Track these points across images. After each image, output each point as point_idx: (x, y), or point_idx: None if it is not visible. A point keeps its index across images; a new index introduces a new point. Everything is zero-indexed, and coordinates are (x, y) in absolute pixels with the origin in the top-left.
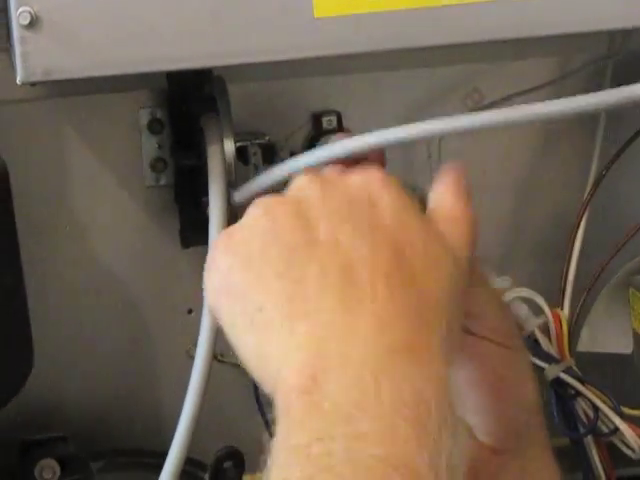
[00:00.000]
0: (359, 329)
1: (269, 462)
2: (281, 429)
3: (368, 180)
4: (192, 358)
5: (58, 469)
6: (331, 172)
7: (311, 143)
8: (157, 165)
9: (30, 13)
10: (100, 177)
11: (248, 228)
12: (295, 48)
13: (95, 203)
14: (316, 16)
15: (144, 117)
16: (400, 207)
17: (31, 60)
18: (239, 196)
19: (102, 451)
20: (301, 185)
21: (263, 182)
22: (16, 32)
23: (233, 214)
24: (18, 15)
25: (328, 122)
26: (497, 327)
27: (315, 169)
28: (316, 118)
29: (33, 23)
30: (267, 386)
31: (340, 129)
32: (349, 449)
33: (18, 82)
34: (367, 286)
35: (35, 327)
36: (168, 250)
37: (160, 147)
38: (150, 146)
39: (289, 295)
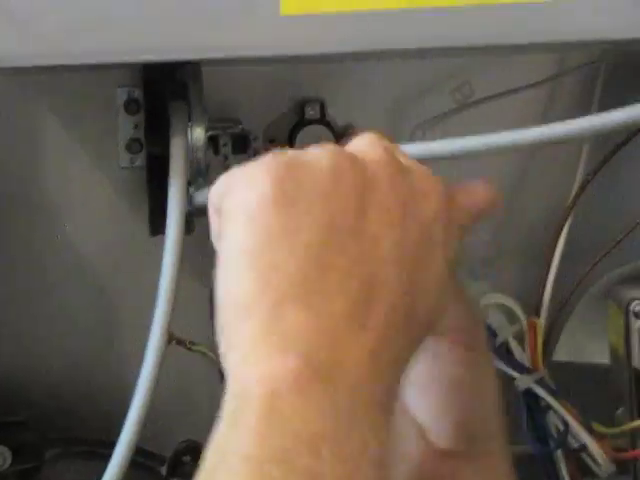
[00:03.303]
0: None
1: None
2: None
3: (424, 178)
4: None
5: (9, 456)
6: (402, 158)
7: (292, 134)
8: (133, 146)
9: None
10: (74, 156)
11: (309, 173)
12: (261, 46)
13: (68, 183)
14: (282, 14)
15: (121, 96)
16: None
17: None
18: (200, 198)
19: (59, 439)
20: (374, 156)
21: None
22: None
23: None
24: None
25: (311, 111)
26: (459, 326)
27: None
28: (298, 106)
29: None
30: (225, 362)
31: (323, 119)
32: None
33: None
34: (374, 312)
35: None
36: (140, 233)
37: (136, 128)
38: (126, 126)
39: (305, 273)
